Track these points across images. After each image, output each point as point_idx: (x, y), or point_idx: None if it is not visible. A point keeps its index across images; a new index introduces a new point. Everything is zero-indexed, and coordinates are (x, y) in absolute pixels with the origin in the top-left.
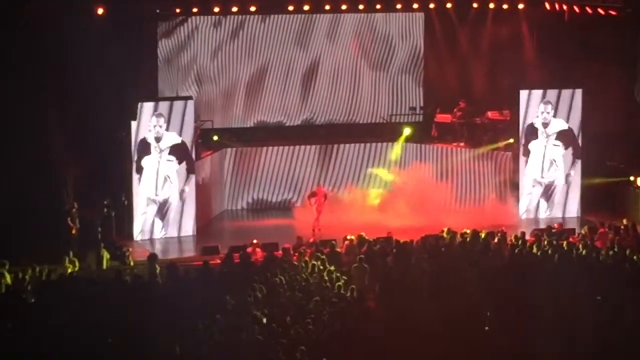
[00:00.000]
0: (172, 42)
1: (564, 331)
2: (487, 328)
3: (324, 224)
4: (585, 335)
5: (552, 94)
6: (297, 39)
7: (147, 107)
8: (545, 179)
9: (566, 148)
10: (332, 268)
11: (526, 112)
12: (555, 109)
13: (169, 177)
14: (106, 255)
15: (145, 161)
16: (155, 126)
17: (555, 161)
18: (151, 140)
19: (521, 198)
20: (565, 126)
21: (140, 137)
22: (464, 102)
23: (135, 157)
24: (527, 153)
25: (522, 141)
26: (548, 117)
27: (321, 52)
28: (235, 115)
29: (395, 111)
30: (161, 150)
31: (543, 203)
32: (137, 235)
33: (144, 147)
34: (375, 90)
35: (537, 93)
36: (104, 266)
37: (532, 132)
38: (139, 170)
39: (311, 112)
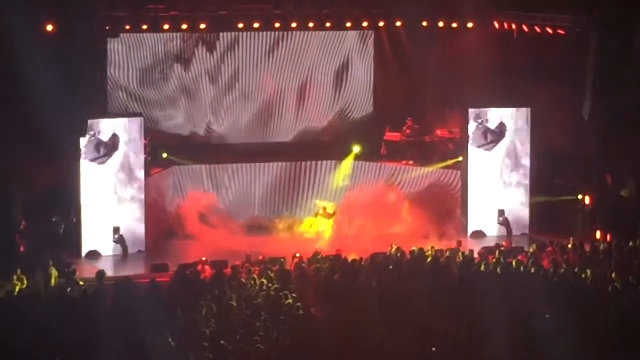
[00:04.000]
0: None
1: (515, 349)
2: (433, 349)
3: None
4: (534, 353)
5: (499, 112)
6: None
7: (96, 123)
8: (494, 197)
9: (513, 166)
10: (280, 285)
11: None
12: (500, 127)
13: (118, 194)
14: (54, 272)
15: (95, 178)
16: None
17: (503, 179)
18: (97, 141)
19: (470, 216)
20: (512, 144)
21: (87, 139)
22: (411, 120)
23: (84, 173)
24: (474, 171)
25: (469, 158)
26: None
27: (265, 66)
28: (185, 131)
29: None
30: (107, 149)
31: (492, 221)
32: (86, 252)
33: (91, 148)
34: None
35: (486, 111)
36: (52, 283)
37: (477, 135)
38: (89, 186)
39: (262, 130)
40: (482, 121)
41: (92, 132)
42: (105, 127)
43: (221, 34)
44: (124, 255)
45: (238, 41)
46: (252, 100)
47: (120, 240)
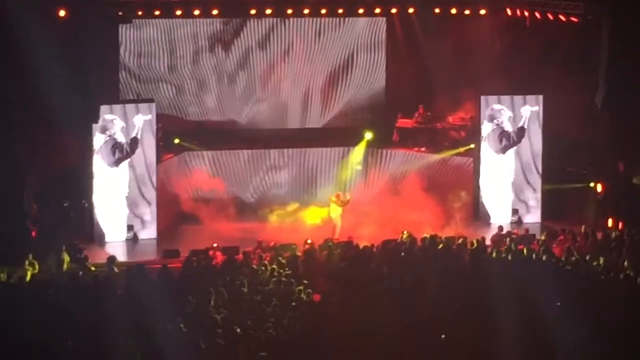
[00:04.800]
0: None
1: (525, 336)
2: (443, 336)
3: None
4: (546, 342)
5: (512, 99)
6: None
7: (109, 109)
8: (506, 185)
9: (526, 153)
10: (291, 272)
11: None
12: (513, 114)
13: (130, 179)
14: (66, 257)
15: (107, 164)
16: (116, 130)
17: (515, 167)
18: (114, 142)
19: (482, 203)
20: (525, 131)
21: (103, 139)
22: (422, 107)
23: (97, 159)
24: (487, 158)
25: (482, 146)
26: (505, 121)
27: (278, 55)
28: (197, 117)
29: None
30: (124, 153)
31: (504, 208)
32: (97, 237)
33: (107, 150)
34: (336, 94)
35: (498, 99)
36: (64, 268)
37: (491, 137)
38: (101, 172)
39: (275, 117)
40: (498, 123)
41: (107, 132)
42: (119, 124)
43: (243, 20)
44: (135, 242)
45: (255, 29)
46: (266, 89)
47: (133, 239)
